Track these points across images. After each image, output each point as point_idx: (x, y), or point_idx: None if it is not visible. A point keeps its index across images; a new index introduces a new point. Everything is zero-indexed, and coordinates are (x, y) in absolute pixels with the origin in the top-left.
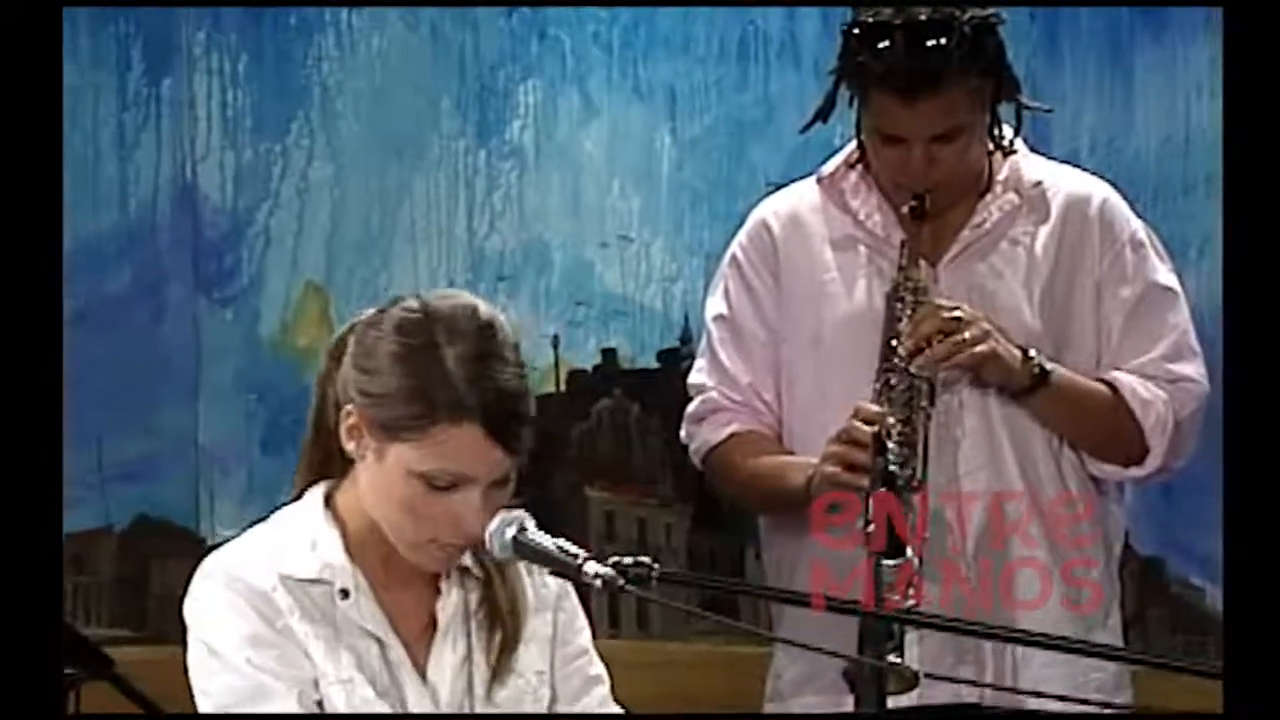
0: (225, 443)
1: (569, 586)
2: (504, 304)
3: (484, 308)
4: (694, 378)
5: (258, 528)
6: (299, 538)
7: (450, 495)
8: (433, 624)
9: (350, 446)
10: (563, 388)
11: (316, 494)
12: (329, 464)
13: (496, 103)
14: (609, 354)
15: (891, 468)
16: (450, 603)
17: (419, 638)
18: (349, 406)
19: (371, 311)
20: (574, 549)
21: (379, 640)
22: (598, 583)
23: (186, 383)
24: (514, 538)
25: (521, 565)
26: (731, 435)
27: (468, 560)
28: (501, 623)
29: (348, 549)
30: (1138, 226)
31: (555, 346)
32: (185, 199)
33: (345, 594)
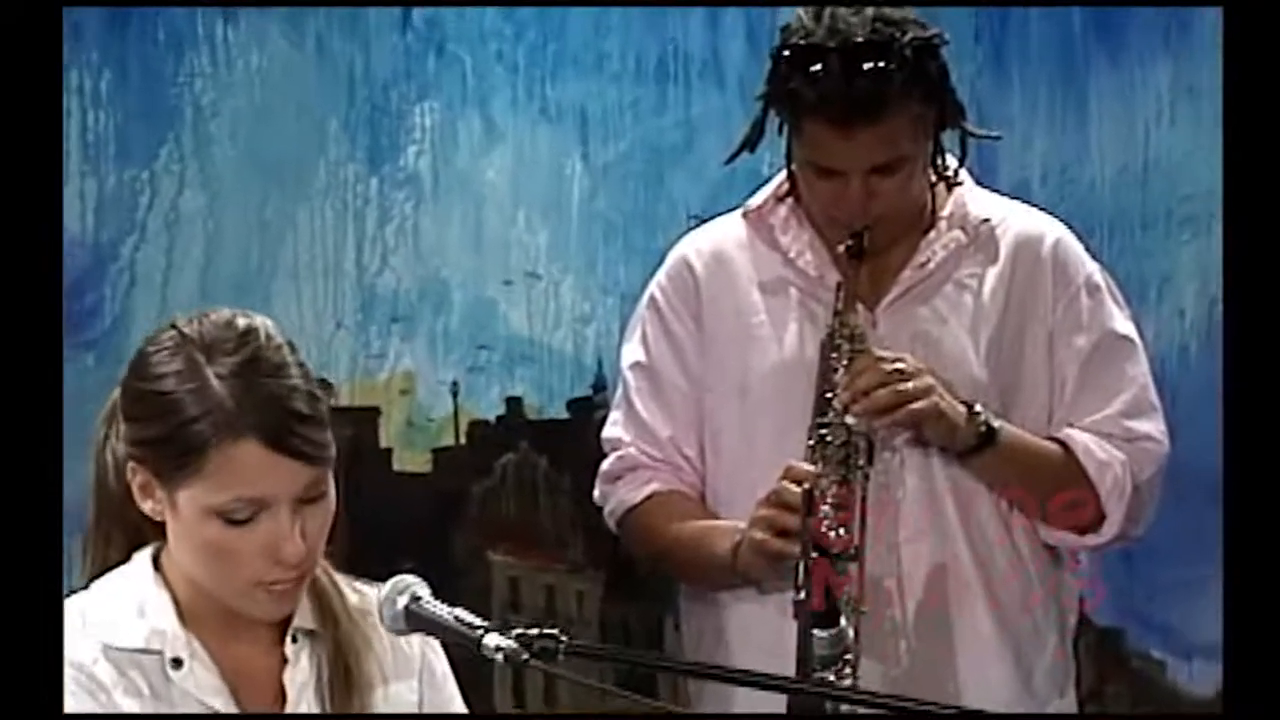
0: (87, 501)
1: (435, 647)
2: (398, 347)
3: (242, 318)
4: (609, 431)
5: (77, 596)
6: (125, 604)
7: (255, 526)
8: (282, 695)
9: (148, 507)
10: (462, 440)
11: (143, 557)
12: (137, 535)
13: (390, 125)
14: (514, 403)
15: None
16: (300, 670)
17: (268, 711)
18: (131, 464)
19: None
20: (474, 619)
21: (220, 716)
22: (500, 657)
23: None
24: (406, 607)
25: (379, 625)
26: (650, 495)
27: (312, 622)
28: (357, 691)
29: (180, 614)
30: (1093, 269)
31: (454, 395)
32: None
33: (178, 663)
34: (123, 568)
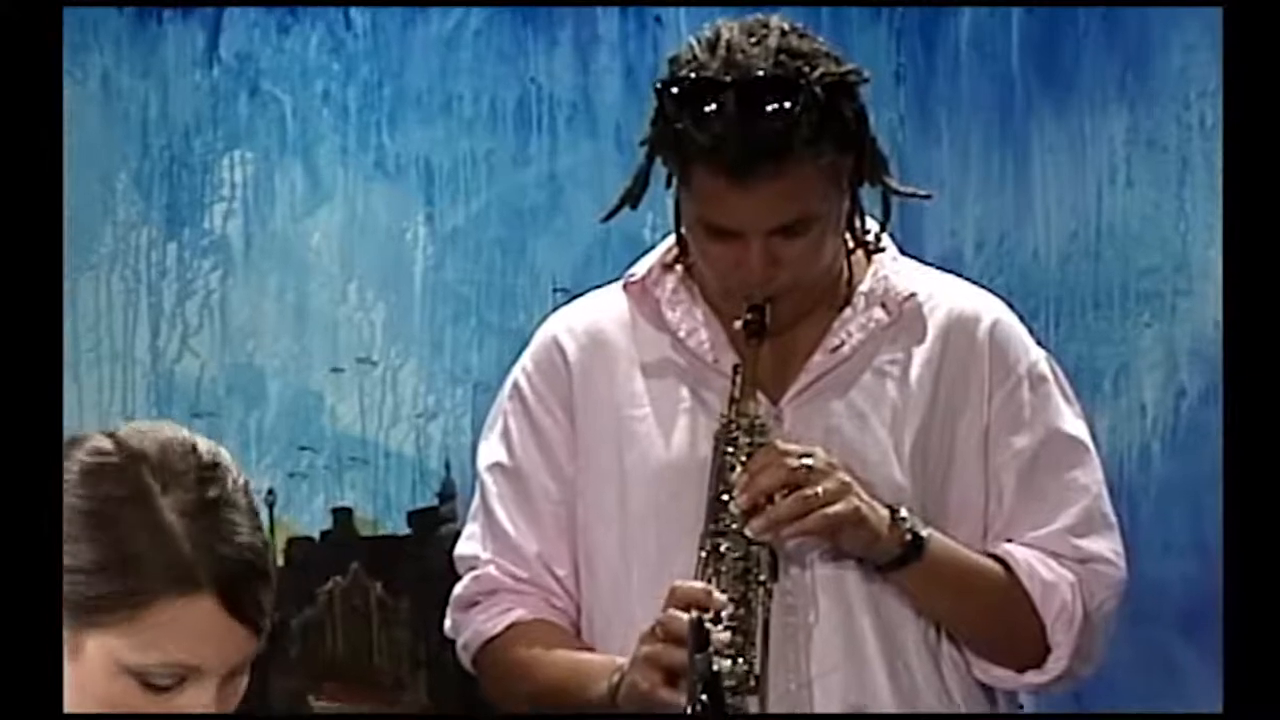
0: None
1: None
2: None
3: (203, 442)
4: (463, 547)
5: None
6: None
7: (175, 698)
8: None
9: None
10: (280, 561)
11: None
12: None
13: (192, 180)
14: (343, 516)
15: (719, 664)
16: None
17: None
18: None
19: None
20: None
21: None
22: None
23: None
24: None
25: None
26: (513, 624)
27: None
28: None
29: None
30: (1038, 357)
31: (270, 506)
32: None
33: None
34: None
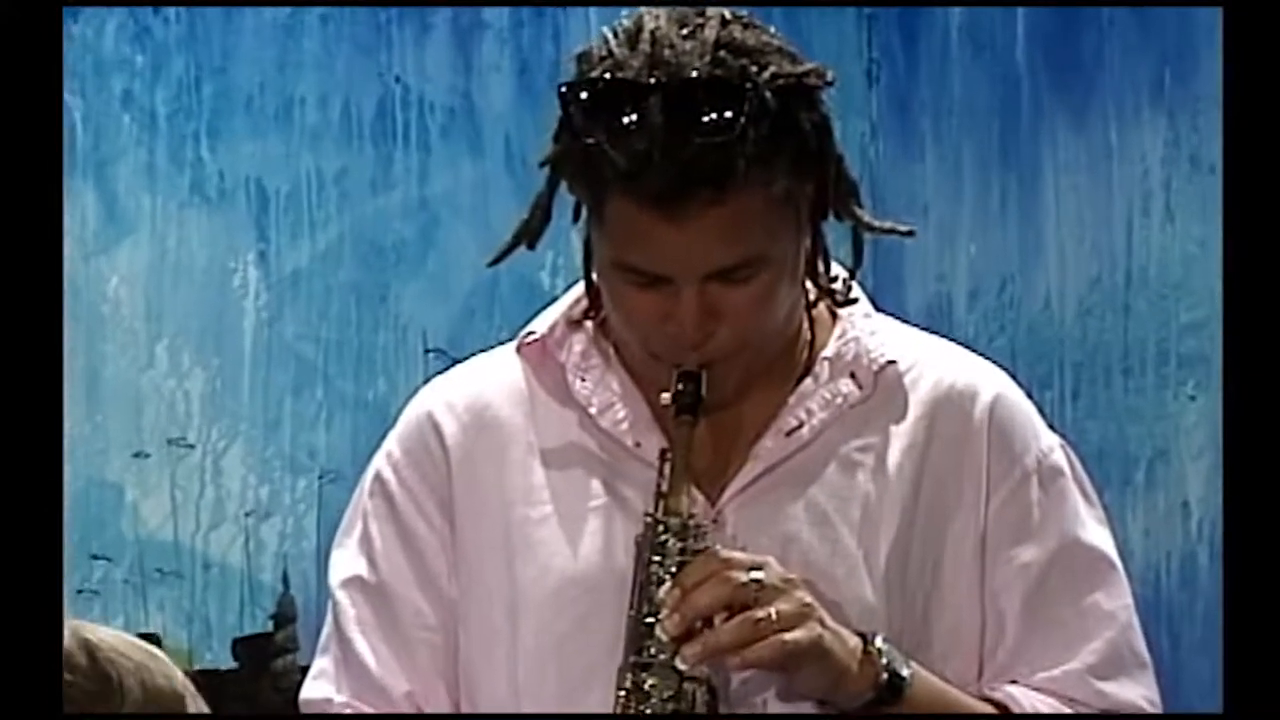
0: None
1: None
2: None
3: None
4: (311, 689)
5: None
6: None
7: None
8: None
9: None
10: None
11: None
12: None
13: None
14: (149, 643)
15: None
16: None
17: None
18: None
19: None
20: None
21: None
22: None
23: None
24: None
25: None
26: None
27: None
28: None
29: None
30: (1051, 445)
31: None
32: None
33: None
34: None
